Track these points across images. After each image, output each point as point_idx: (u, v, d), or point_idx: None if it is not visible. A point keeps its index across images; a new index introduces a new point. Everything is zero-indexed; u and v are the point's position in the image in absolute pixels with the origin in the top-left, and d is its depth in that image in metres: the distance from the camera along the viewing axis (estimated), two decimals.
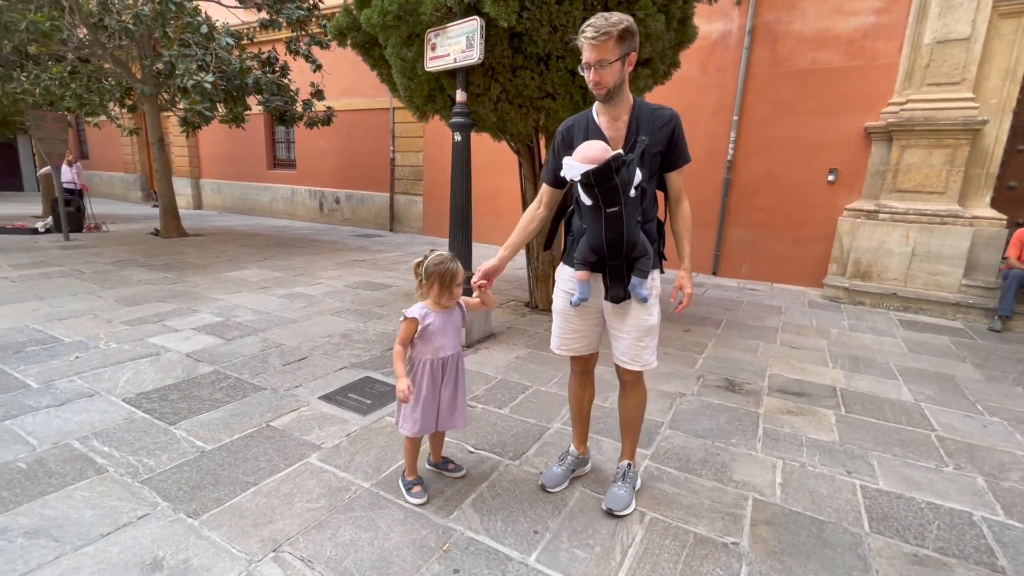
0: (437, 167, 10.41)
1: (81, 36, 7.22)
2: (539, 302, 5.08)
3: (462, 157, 3.78)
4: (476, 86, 3.76)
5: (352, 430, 2.50)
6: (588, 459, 2.24)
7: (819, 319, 5.14)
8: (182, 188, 15.20)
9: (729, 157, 7.16)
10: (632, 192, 1.74)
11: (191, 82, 5.60)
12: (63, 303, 4.51)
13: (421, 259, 1.91)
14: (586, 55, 1.70)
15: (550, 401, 2.95)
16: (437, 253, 1.91)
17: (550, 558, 1.70)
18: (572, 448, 2.20)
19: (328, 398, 2.85)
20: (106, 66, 8.21)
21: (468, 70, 3.62)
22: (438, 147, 10.22)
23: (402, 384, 1.80)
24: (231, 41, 6.17)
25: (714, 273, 7.50)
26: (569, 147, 1.84)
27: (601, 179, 1.68)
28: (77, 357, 3.28)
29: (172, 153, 14.66)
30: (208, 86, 5.66)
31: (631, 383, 2.03)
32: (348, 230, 11.31)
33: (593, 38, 1.65)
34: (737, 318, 5.04)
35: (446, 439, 2.31)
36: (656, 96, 7.97)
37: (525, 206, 4.90)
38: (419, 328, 1.88)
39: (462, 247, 3.92)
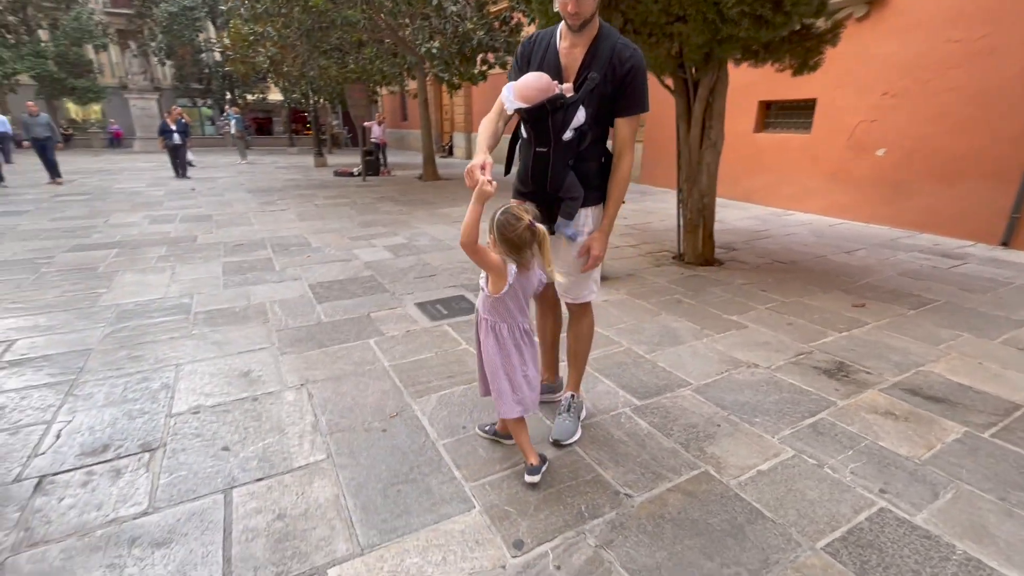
0: (661, 110, 9.88)
1: (378, 23, 9.47)
2: (687, 255, 4.69)
3: None
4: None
5: (413, 328, 3.12)
6: (558, 388, 2.30)
7: None
8: (460, 141, 18.36)
9: None
10: (569, 134, 1.70)
11: (423, 48, 6.87)
12: (331, 222, 6.48)
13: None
14: None
15: (596, 340, 2.92)
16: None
17: (455, 446, 1.97)
18: None
19: (420, 305, 3.53)
20: (395, 44, 10.56)
21: None
22: (663, 89, 9.66)
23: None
24: (455, 8, 7.21)
25: (1004, 244, 5.27)
26: (527, 64, 1.81)
27: (534, 118, 1.70)
28: (309, 256, 4.83)
29: (453, 111, 17.73)
30: (435, 51, 6.85)
31: (576, 314, 2.02)
32: None
33: None
34: (966, 303, 3.64)
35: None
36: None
37: (679, 146, 4.53)
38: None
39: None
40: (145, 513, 1.62)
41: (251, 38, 8.55)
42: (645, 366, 2.65)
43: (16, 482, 1.77)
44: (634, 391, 2.40)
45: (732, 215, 7.21)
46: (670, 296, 3.73)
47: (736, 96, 7.97)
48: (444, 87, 9.72)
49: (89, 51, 21.99)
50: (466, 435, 2.05)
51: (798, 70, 4.31)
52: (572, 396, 2.09)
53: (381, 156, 12.50)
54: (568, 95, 1.67)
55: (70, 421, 2.12)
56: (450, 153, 18.47)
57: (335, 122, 25.71)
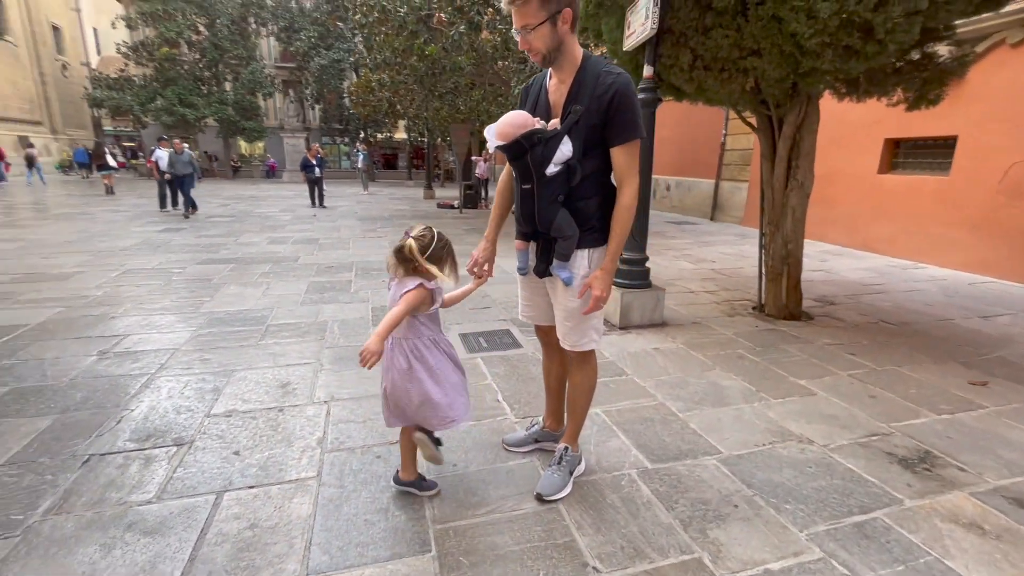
0: None
1: (484, 70, 10.10)
2: (767, 306, 4.23)
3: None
4: (667, 57, 3.53)
5: None
6: (561, 436, 2.14)
7: None
8: None
9: None
10: (552, 168, 1.65)
11: (516, 91, 7.19)
12: None
13: (409, 242, 1.62)
14: (513, 20, 1.63)
15: (628, 390, 2.74)
16: (423, 228, 1.70)
17: (442, 484, 1.92)
18: (540, 419, 2.18)
19: (463, 335, 3.58)
20: (501, 87, 11.16)
21: (657, 42, 3.46)
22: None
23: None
24: None
25: None
26: (524, 107, 1.81)
27: (512, 155, 1.69)
28: (383, 280, 5.16)
29: None
30: None
31: (575, 362, 1.90)
32: (669, 217, 11.49)
33: (511, 1, 1.58)
34: None
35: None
36: None
37: (762, 187, 4.17)
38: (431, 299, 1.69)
39: (636, 230, 3.82)
40: (149, 502, 1.80)
41: (373, 84, 9.66)
42: (674, 425, 2.40)
43: (73, 456, 2.07)
44: (649, 452, 2.17)
45: (844, 264, 6.39)
46: (732, 350, 3.36)
47: (857, 133, 7.20)
48: None
49: (259, 98, 26.28)
50: (453, 473, 2.00)
51: (914, 104, 3.76)
52: (566, 449, 1.94)
53: (482, 190, 13.14)
54: (550, 129, 1.64)
55: (133, 410, 2.45)
56: None
57: (451, 159, 27.64)
